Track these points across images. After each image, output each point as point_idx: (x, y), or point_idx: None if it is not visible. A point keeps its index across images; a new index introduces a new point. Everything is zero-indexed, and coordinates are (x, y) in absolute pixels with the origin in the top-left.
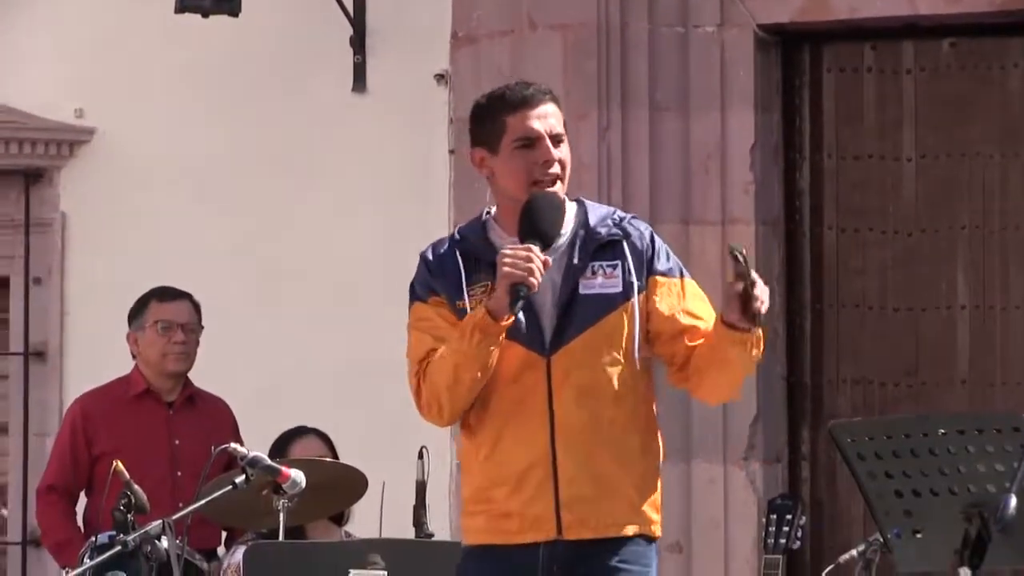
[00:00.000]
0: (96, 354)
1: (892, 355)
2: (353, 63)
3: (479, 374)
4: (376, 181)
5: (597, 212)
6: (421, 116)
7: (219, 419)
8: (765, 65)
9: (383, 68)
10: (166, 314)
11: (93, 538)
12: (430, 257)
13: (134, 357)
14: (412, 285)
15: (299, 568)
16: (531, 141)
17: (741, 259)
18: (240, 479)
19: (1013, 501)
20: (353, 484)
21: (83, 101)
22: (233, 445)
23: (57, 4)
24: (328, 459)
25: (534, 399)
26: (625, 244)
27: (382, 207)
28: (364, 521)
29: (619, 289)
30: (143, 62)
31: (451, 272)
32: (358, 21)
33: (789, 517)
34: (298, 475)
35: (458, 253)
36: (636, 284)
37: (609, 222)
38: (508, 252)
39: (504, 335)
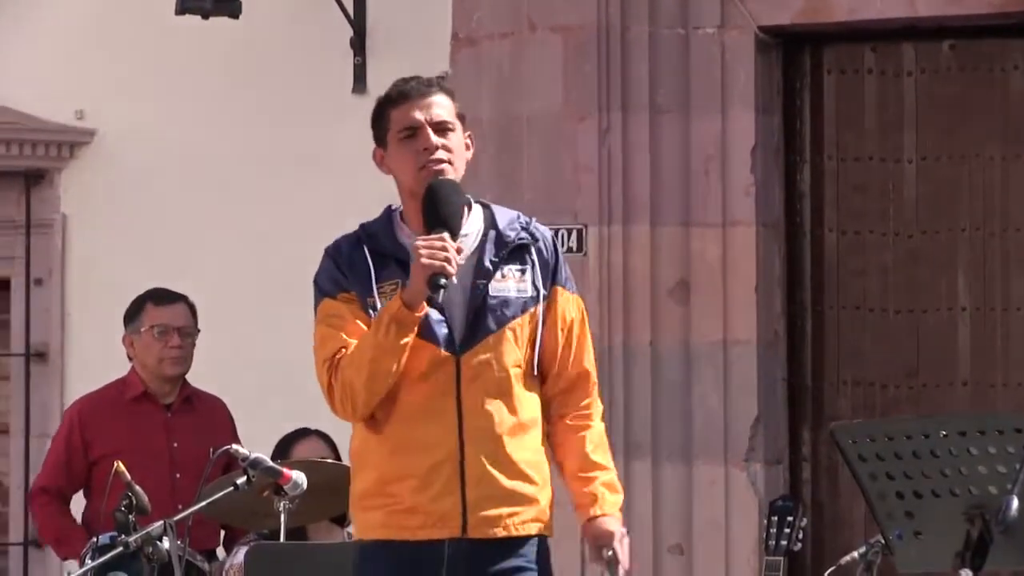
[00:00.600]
0: (97, 355)
1: (893, 357)
2: (353, 64)
3: (394, 367)
4: (376, 182)
5: (504, 215)
6: None
7: (217, 420)
8: (766, 67)
9: (383, 69)
10: (162, 318)
11: (94, 539)
12: (340, 253)
13: (130, 359)
14: (316, 281)
15: (301, 569)
16: (412, 131)
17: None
18: (241, 480)
19: (1015, 502)
20: None
21: (84, 102)
22: (234, 447)
23: (57, 5)
24: (330, 460)
25: (443, 397)
26: (533, 249)
27: (382, 207)
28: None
29: (529, 294)
30: (144, 64)
31: (361, 269)
32: (358, 22)
33: (790, 519)
34: (300, 476)
35: (367, 250)
36: (542, 291)
37: (517, 225)
38: (423, 243)
39: (416, 328)
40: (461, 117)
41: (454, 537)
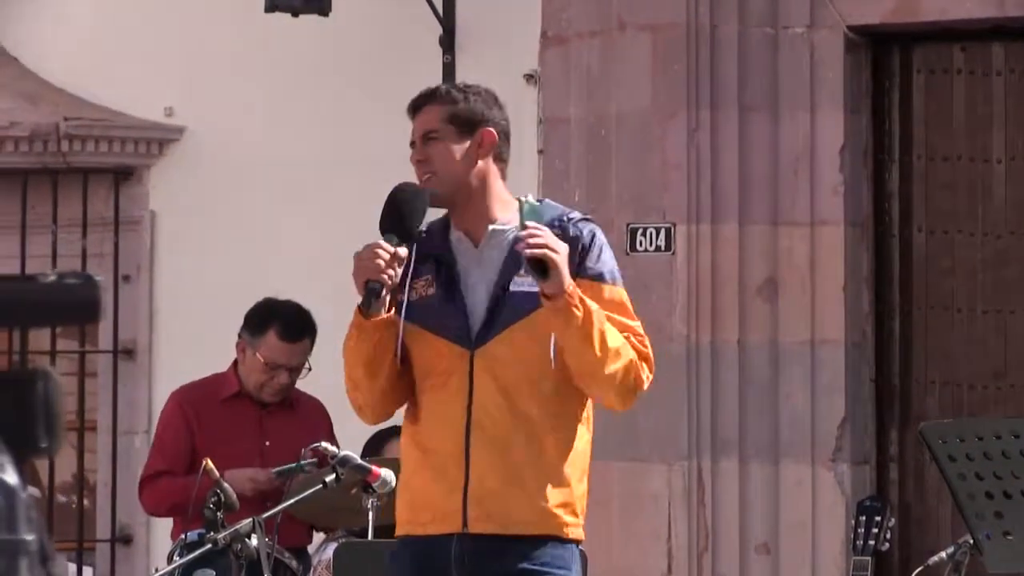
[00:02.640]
0: (185, 352)
1: (981, 357)
2: (443, 62)
3: (359, 372)
4: None
5: (550, 212)
6: (510, 116)
7: (313, 421)
8: (854, 66)
9: (472, 67)
10: (280, 357)
11: (183, 536)
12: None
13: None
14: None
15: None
16: (413, 144)
17: (522, 210)
18: (330, 478)
19: None
20: None
21: (173, 100)
22: (324, 444)
23: (147, 3)
24: None
25: (456, 393)
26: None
27: None
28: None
29: None
30: (233, 61)
31: (404, 267)
32: (448, 20)
33: (878, 519)
34: (388, 474)
35: (415, 247)
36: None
37: (556, 223)
38: (360, 249)
39: (382, 331)
40: (463, 119)
41: (457, 533)
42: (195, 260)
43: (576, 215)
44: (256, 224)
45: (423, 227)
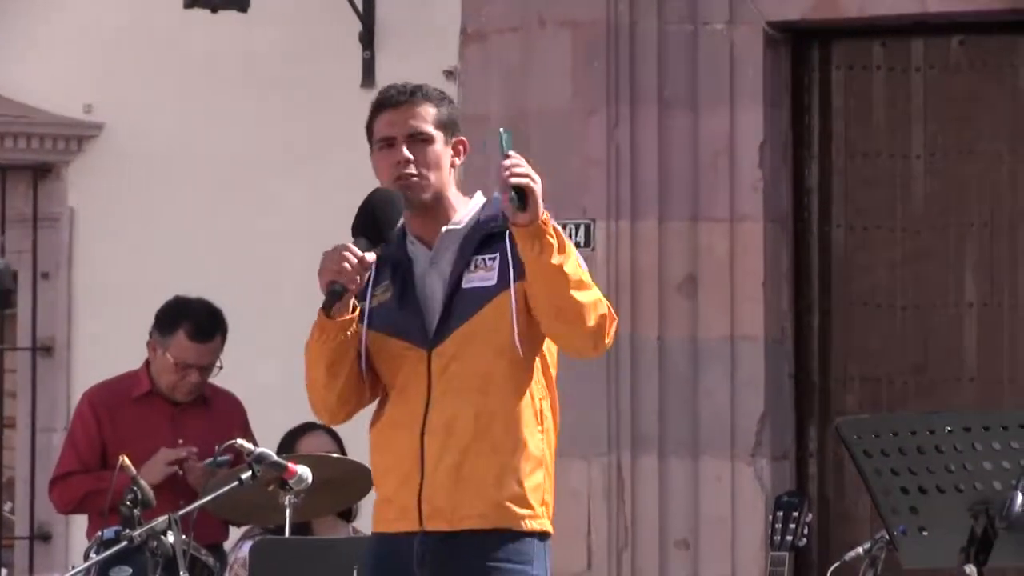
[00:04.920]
0: (103, 349)
1: (900, 353)
2: (362, 59)
3: (323, 372)
4: None
5: (494, 206)
6: None
7: (228, 417)
8: (774, 62)
9: (392, 64)
10: (189, 357)
11: (99, 533)
12: None
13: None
14: None
15: (305, 564)
16: (388, 141)
17: (501, 140)
18: (246, 475)
19: (1019, 498)
20: (360, 480)
21: (92, 96)
22: (240, 441)
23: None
24: (335, 455)
25: (415, 391)
26: (508, 235)
27: None
28: (371, 517)
29: (494, 282)
30: (152, 57)
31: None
32: (367, 17)
33: (796, 514)
34: (304, 471)
35: (377, 255)
36: (513, 273)
37: (500, 215)
38: (327, 251)
39: (344, 331)
40: (448, 124)
41: (415, 531)
42: (114, 257)
43: None
44: (174, 221)
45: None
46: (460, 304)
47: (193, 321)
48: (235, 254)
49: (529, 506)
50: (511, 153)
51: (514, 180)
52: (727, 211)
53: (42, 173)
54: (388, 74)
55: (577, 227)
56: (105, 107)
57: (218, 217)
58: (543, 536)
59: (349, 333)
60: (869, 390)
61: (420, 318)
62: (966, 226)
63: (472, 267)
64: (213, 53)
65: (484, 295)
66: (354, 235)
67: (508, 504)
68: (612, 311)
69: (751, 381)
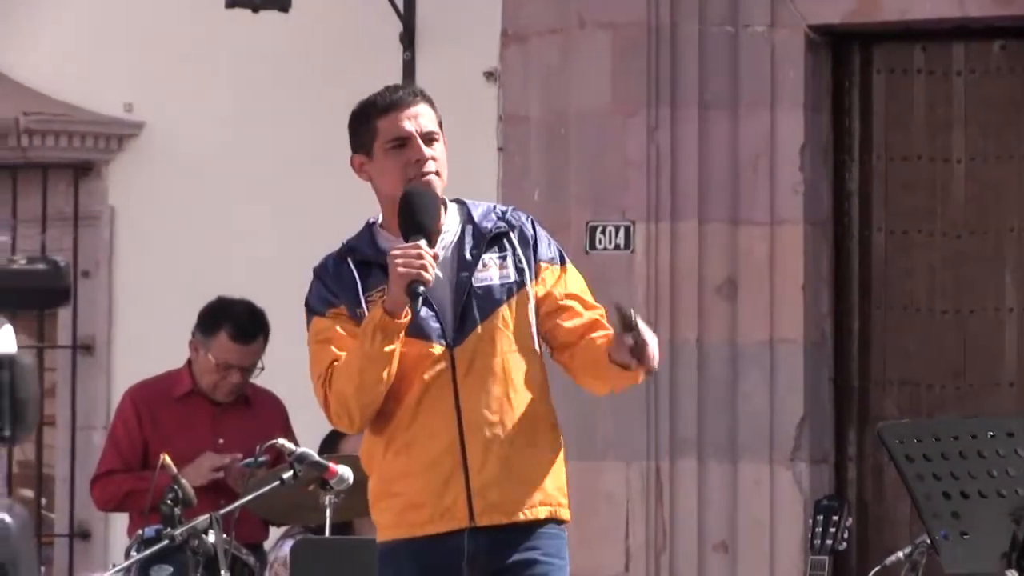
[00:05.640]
0: (144, 348)
1: (939, 357)
2: (403, 60)
3: (384, 375)
4: None
5: (479, 208)
6: (470, 114)
7: (269, 417)
8: (815, 65)
9: (432, 65)
10: (231, 358)
11: (140, 531)
12: (326, 270)
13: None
14: (307, 302)
15: (346, 563)
16: (402, 141)
17: (629, 316)
18: (287, 475)
19: None
20: None
21: (132, 95)
22: (281, 441)
23: None
24: None
25: (441, 391)
26: (512, 235)
27: None
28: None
29: (512, 279)
30: (193, 57)
31: (348, 282)
32: (408, 17)
33: (835, 518)
34: (346, 471)
35: (351, 263)
36: (527, 272)
37: (493, 216)
38: (398, 251)
39: (403, 333)
40: (441, 124)
41: (467, 528)
42: (154, 256)
43: (505, 207)
44: (215, 220)
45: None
46: (477, 301)
47: (235, 322)
48: (274, 255)
49: (564, 495)
50: (643, 329)
51: (654, 364)
52: (767, 214)
53: (83, 172)
54: (428, 75)
55: (617, 229)
56: (146, 106)
57: (258, 216)
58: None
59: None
60: (908, 394)
61: (435, 317)
62: (1005, 230)
63: (481, 265)
64: (254, 53)
65: (503, 291)
66: (408, 236)
67: (554, 494)
68: None
69: (790, 385)
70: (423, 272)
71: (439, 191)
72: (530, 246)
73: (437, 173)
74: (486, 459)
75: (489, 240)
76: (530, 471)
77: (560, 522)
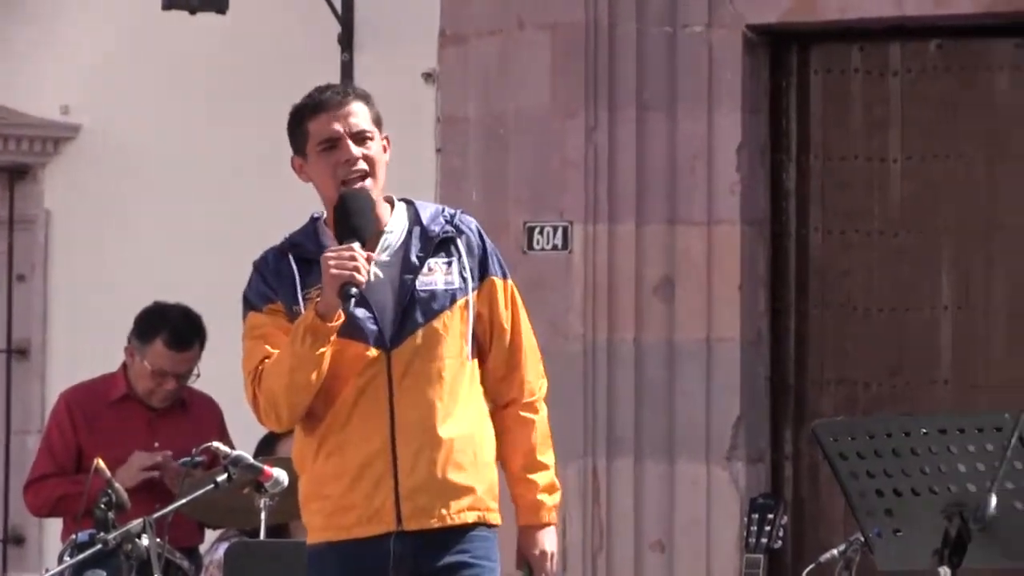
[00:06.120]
0: (78, 352)
1: (876, 355)
2: (341, 61)
3: (313, 376)
4: None
5: (427, 210)
6: (408, 115)
7: (205, 420)
8: (753, 66)
9: (371, 66)
10: (167, 364)
11: (74, 536)
12: (266, 265)
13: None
14: (245, 295)
15: (281, 566)
16: (332, 143)
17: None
18: (222, 478)
19: (993, 501)
20: None
21: (69, 98)
22: (215, 444)
23: (43, 1)
24: None
25: (376, 394)
26: (459, 241)
27: None
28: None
29: (456, 285)
30: (130, 59)
31: (287, 278)
32: (346, 19)
33: (771, 516)
34: (280, 474)
35: (292, 259)
36: (471, 282)
37: (441, 220)
38: (332, 253)
39: (335, 335)
40: (378, 122)
41: (391, 532)
42: (90, 259)
43: (454, 210)
44: (151, 224)
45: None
46: (419, 305)
47: (171, 330)
48: (211, 256)
49: (495, 499)
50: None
51: None
52: (704, 214)
53: (18, 175)
54: (367, 76)
55: (555, 229)
56: (82, 109)
57: (194, 220)
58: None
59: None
60: (845, 393)
61: (374, 319)
62: (942, 229)
63: (427, 269)
64: (191, 55)
65: (446, 297)
66: (342, 239)
67: (484, 497)
68: (544, 381)
69: (727, 384)
70: (356, 274)
71: (373, 191)
72: (475, 255)
73: (370, 172)
74: (416, 463)
75: (436, 244)
76: (460, 476)
77: (490, 526)
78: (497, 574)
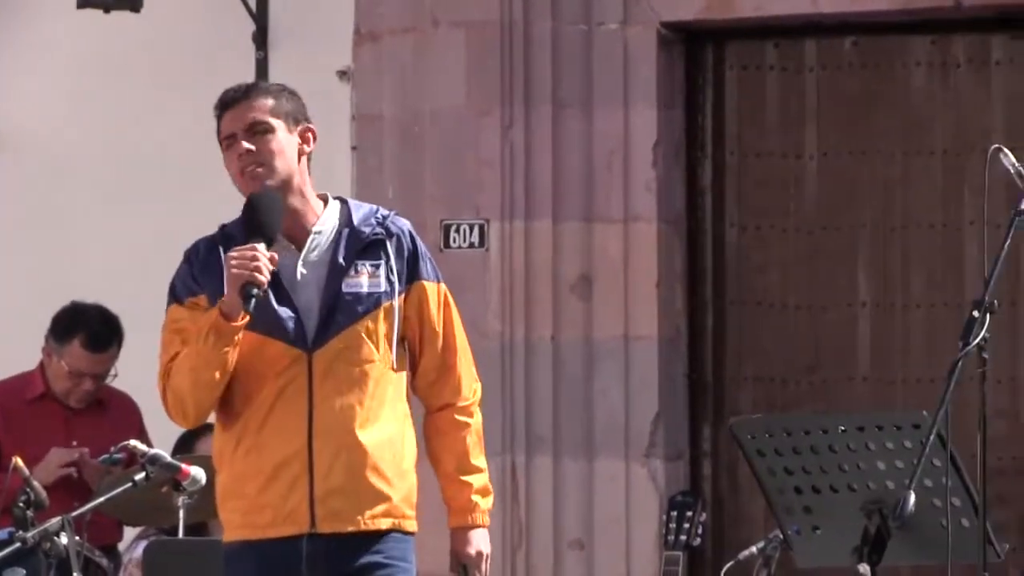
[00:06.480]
0: (6, 354)
1: (794, 352)
2: (255, 59)
3: (217, 375)
4: None
5: (360, 210)
6: (323, 113)
7: (124, 419)
8: (668, 63)
9: (285, 64)
10: (84, 365)
11: None
12: (196, 255)
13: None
14: (172, 283)
15: (198, 564)
16: (230, 140)
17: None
18: (140, 476)
19: (912, 498)
20: None
21: None
22: (133, 442)
23: None
24: None
25: (295, 395)
26: (388, 244)
27: None
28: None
29: (381, 289)
30: (45, 58)
31: (215, 271)
32: (260, 16)
33: (690, 514)
34: (198, 472)
35: (222, 252)
36: (398, 286)
37: (372, 221)
38: (235, 253)
39: (261, 333)
40: (289, 113)
41: (304, 533)
42: (7, 257)
43: (387, 212)
44: (69, 222)
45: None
46: (343, 307)
47: (88, 330)
48: (133, 255)
49: (412, 507)
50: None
51: None
52: (621, 211)
53: None
54: (281, 74)
55: (471, 227)
56: (1, 112)
57: (115, 218)
58: (413, 535)
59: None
60: (763, 390)
61: (297, 318)
62: (859, 226)
63: (354, 271)
64: (107, 53)
65: (371, 301)
66: (249, 237)
67: (400, 506)
68: (478, 386)
69: (645, 381)
70: (257, 275)
71: (269, 181)
72: (405, 259)
73: (263, 164)
74: (333, 466)
75: (364, 246)
76: (376, 482)
77: (405, 533)
78: (412, 575)
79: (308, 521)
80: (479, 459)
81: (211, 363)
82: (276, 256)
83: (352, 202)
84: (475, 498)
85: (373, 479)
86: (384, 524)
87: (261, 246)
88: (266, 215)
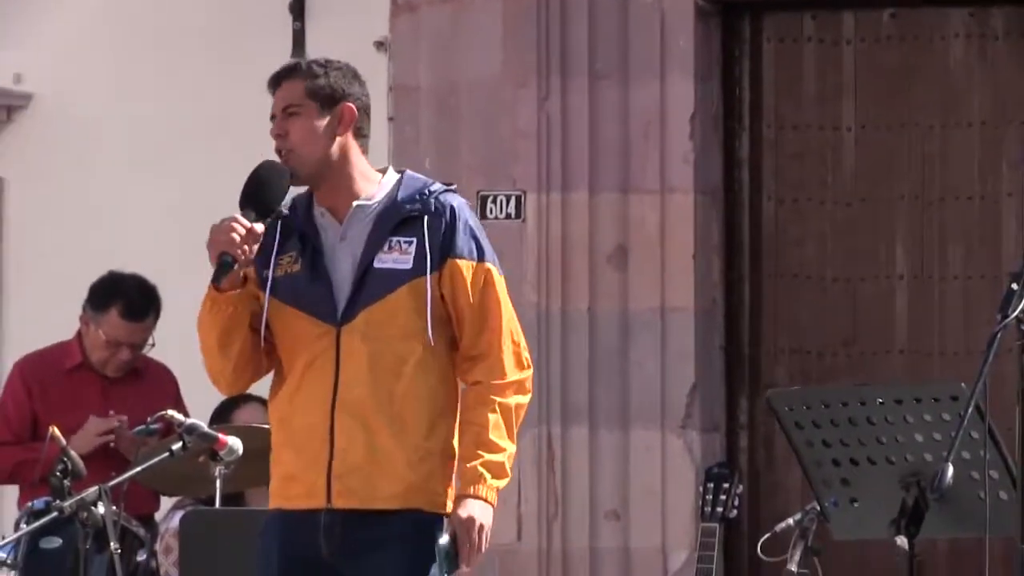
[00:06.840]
0: (36, 320)
1: (830, 325)
2: (292, 29)
3: (216, 340)
4: None
5: (410, 186)
6: None
7: (160, 389)
8: (705, 34)
9: (322, 34)
10: (121, 335)
11: (29, 504)
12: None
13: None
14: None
15: (236, 534)
16: (273, 119)
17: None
18: (176, 446)
19: (950, 470)
20: None
21: (21, 66)
22: (170, 412)
23: None
24: (267, 426)
25: (323, 369)
26: (425, 220)
27: None
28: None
29: (409, 266)
30: (82, 27)
31: (267, 242)
32: None
33: (726, 486)
34: (235, 442)
35: (279, 223)
36: (429, 262)
37: (417, 196)
38: (217, 224)
39: (231, 305)
40: (324, 94)
41: (324, 508)
42: (44, 228)
43: (438, 187)
44: (106, 192)
45: (286, 204)
46: (372, 283)
47: (126, 300)
48: (164, 225)
49: (439, 486)
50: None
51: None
52: (657, 183)
53: None
54: (318, 45)
55: (508, 198)
56: (35, 77)
57: (149, 188)
58: (446, 515)
59: (239, 306)
60: (799, 362)
61: (329, 293)
62: (896, 199)
63: (387, 247)
64: (144, 22)
65: (399, 277)
66: (242, 207)
67: (421, 485)
68: (528, 380)
69: (681, 353)
70: (230, 247)
71: (297, 166)
72: (441, 236)
73: (292, 149)
74: (352, 443)
75: (401, 222)
76: (394, 462)
77: (423, 514)
78: (424, 552)
79: (325, 496)
80: (501, 439)
81: (209, 327)
82: (258, 228)
83: (408, 176)
84: (482, 470)
85: (391, 460)
86: (399, 505)
87: (243, 219)
88: (263, 186)
